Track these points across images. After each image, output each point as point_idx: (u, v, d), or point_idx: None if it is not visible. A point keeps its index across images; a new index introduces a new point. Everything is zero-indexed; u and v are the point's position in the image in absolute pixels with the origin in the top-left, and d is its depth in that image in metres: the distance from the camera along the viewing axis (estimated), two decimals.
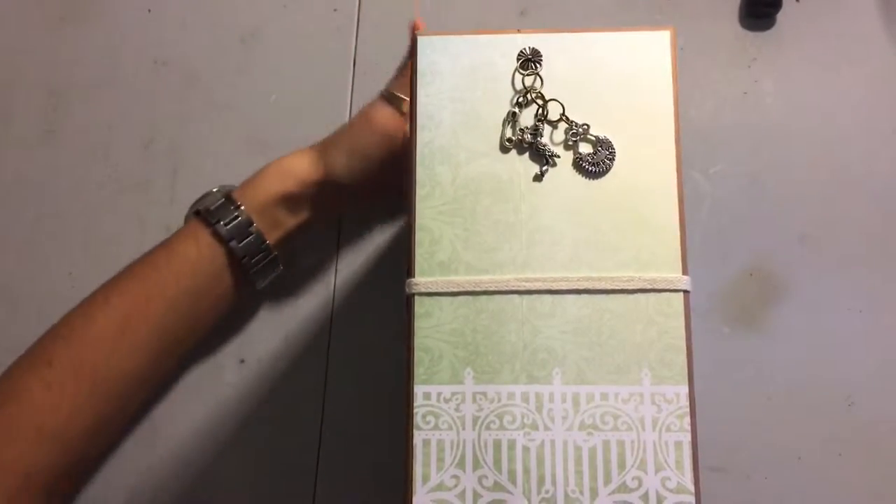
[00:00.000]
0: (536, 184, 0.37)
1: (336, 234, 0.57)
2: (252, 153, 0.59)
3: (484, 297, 0.36)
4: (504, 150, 0.37)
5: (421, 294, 0.36)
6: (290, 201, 0.48)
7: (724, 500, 0.51)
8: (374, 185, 0.50)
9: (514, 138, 0.37)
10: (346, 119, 0.60)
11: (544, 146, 0.37)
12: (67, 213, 0.59)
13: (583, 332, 0.35)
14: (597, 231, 0.36)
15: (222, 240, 0.46)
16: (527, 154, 0.37)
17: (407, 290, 0.36)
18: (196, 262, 0.46)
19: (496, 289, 0.36)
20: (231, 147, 0.60)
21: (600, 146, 0.37)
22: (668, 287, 0.36)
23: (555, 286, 0.36)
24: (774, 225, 0.56)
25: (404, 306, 0.36)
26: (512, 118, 0.37)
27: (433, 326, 0.35)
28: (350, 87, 0.61)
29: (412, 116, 0.38)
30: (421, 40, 0.38)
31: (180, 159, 0.60)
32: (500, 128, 0.38)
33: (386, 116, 0.49)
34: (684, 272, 0.36)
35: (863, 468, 0.52)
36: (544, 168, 0.37)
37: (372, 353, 0.54)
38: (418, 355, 0.35)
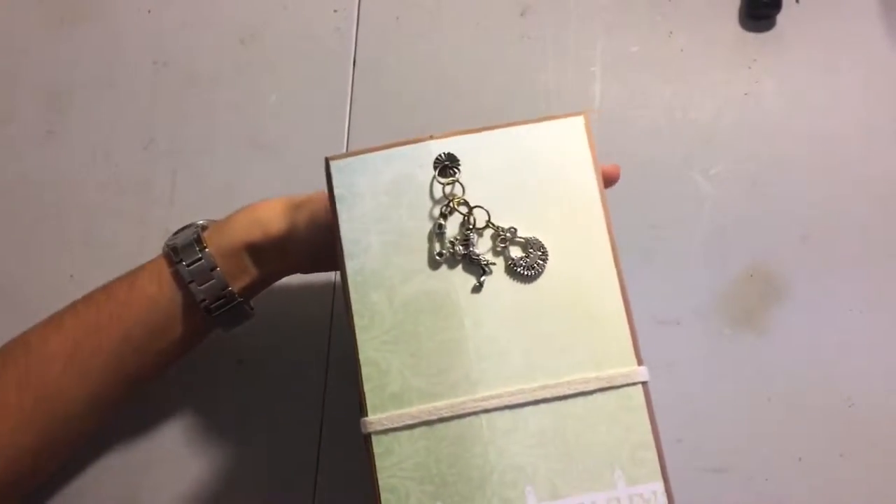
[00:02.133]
0: (476, 295, 0.36)
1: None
2: (252, 153, 0.59)
3: (442, 425, 0.34)
4: (436, 265, 0.36)
5: (377, 432, 0.34)
6: (255, 251, 0.46)
7: (724, 502, 0.51)
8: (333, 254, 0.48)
9: (444, 252, 0.36)
10: (346, 118, 0.60)
11: (477, 256, 0.36)
12: (67, 214, 0.59)
13: (548, 442, 0.34)
14: (544, 335, 0.36)
15: (182, 281, 0.45)
16: (460, 266, 0.37)
17: (362, 429, 0.35)
18: (155, 298, 0.45)
19: (453, 413, 0.34)
20: (231, 147, 0.60)
21: (531, 248, 0.36)
22: (626, 382, 0.35)
23: (512, 400, 0.35)
24: (775, 225, 0.56)
25: (362, 443, 0.35)
26: (439, 230, 0.36)
27: (395, 464, 0.34)
28: (350, 88, 0.61)
29: (337, 244, 0.37)
30: (334, 165, 0.37)
31: (180, 160, 0.60)
32: (429, 242, 0.37)
33: None
34: (639, 362, 0.36)
35: (864, 469, 0.51)
36: (482, 278, 0.36)
37: None
38: (384, 497, 0.34)
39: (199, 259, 0.45)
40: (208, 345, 0.50)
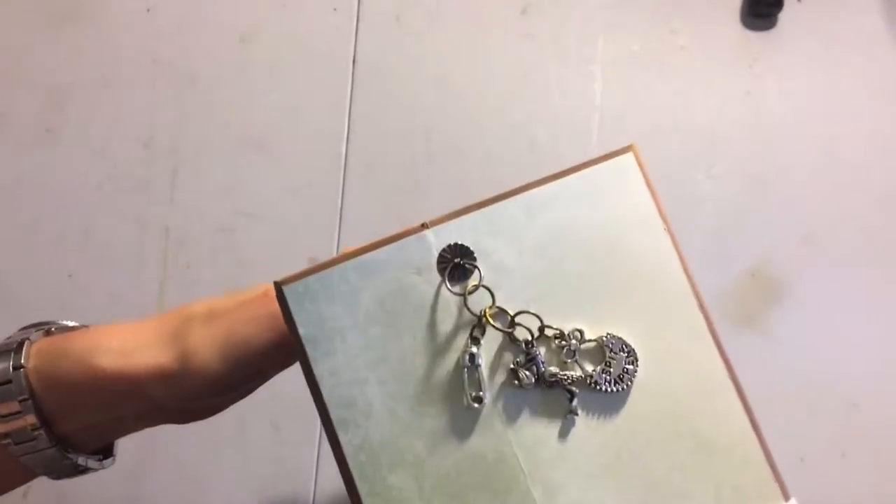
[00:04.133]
0: (542, 448, 0.25)
1: (336, 229, 0.57)
2: (251, 152, 0.59)
3: None
4: (472, 416, 0.25)
5: None
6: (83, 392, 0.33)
7: None
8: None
9: (482, 394, 0.25)
10: (346, 118, 0.60)
11: (553, 376, 0.25)
12: (66, 213, 0.59)
13: None
14: (650, 482, 0.25)
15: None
16: (503, 410, 0.25)
17: None
18: None
19: None
20: (230, 146, 0.59)
21: (611, 351, 0.26)
22: None
23: None
24: (777, 225, 0.55)
25: None
26: (471, 363, 0.25)
27: None
28: (349, 87, 0.60)
29: (319, 411, 0.26)
30: (289, 292, 0.26)
31: (180, 159, 0.59)
32: (456, 381, 0.26)
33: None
34: (785, 497, 0.27)
35: (867, 469, 0.51)
36: (570, 414, 0.25)
37: None
38: None
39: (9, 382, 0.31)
40: None
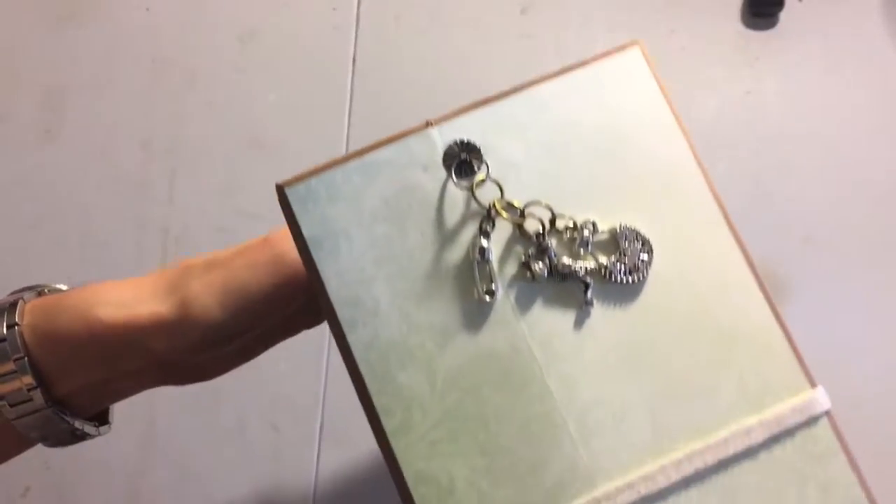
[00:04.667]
0: (557, 341, 0.24)
1: None
2: (251, 153, 0.59)
3: None
4: (485, 311, 0.25)
5: None
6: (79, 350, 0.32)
7: None
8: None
9: (493, 288, 0.24)
10: (346, 118, 0.60)
11: (567, 267, 0.25)
12: (65, 214, 0.59)
13: None
14: (671, 376, 0.24)
15: None
16: (515, 302, 0.25)
17: None
18: None
19: None
20: (230, 147, 0.59)
21: (626, 241, 0.25)
22: (802, 418, 0.25)
23: (649, 488, 0.23)
24: (777, 226, 0.55)
25: None
26: (481, 257, 0.25)
27: None
28: (349, 87, 0.60)
29: (326, 312, 0.25)
30: (292, 193, 0.25)
31: (179, 159, 0.59)
32: (466, 276, 0.25)
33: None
34: (811, 384, 0.26)
35: (867, 470, 0.51)
36: (585, 305, 0.24)
37: None
38: None
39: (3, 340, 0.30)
40: None
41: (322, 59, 0.61)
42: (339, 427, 0.53)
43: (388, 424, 0.24)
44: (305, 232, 0.25)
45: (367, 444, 0.53)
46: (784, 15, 0.59)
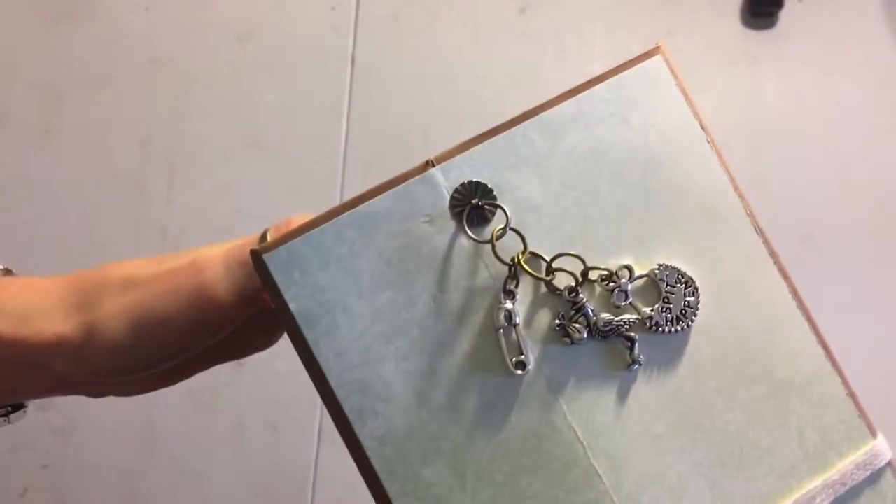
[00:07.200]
0: (600, 413, 0.21)
1: None
2: (249, 152, 0.59)
3: None
4: (514, 384, 0.21)
5: None
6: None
7: None
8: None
9: (523, 356, 0.21)
10: (345, 117, 0.59)
11: (608, 324, 0.21)
12: (63, 213, 0.58)
13: None
14: (726, 437, 0.22)
15: None
16: (556, 366, 0.21)
17: None
18: None
19: None
20: (228, 146, 0.59)
21: (668, 284, 0.22)
22: (867, 474, 0.23)
23: None
24: (775, 225, 0.55)
25: None
26: (507, 321, 0.21)
27: None
28: (348, 86, 0.60)
29: (326, 402, 0.22)
30: (272, 260, 0.21)
31: (177, 159, 0.59)
32: (490, 346, 0.21)
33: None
34: (872, 433, 0.24)
35: None
36: (633, 365, 0.21)
37: None
38: None
39: None
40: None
41: (321, 59, 0.61)
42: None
43: None
44: (293, 307, 0.21)
45: None
46: (783, 15, 0.59)
